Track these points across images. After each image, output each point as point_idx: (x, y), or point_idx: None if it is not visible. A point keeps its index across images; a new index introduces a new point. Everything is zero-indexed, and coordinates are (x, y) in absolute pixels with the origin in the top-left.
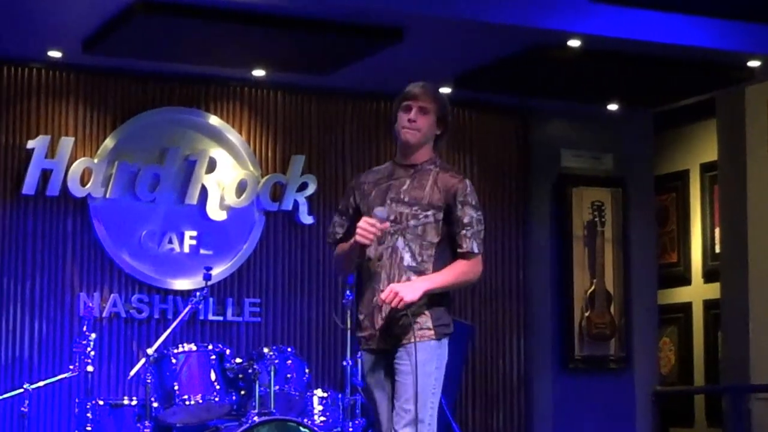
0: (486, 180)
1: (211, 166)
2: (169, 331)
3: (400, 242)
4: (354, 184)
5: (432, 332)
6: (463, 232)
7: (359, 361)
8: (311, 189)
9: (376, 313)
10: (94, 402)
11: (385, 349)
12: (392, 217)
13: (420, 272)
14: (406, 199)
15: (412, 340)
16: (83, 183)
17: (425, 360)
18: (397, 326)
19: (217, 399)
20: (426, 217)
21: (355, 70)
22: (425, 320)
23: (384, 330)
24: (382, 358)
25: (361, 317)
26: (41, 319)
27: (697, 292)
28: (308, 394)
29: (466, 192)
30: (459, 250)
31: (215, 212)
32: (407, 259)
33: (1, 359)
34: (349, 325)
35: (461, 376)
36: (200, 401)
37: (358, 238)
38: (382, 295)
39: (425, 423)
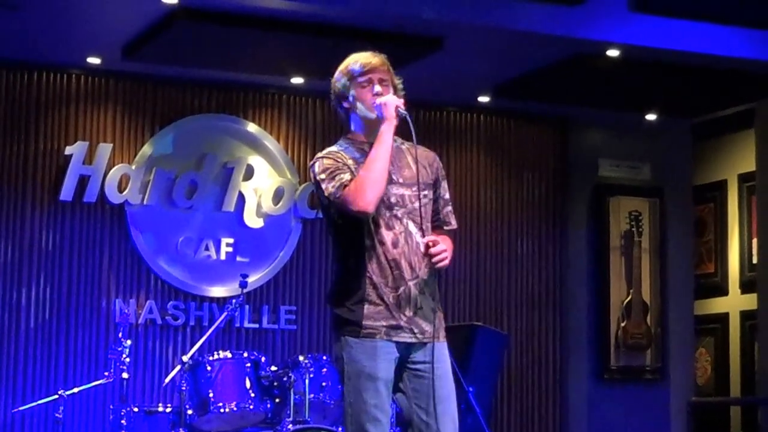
0: (524, 188)
1: (249, 174)
2: (204, 338)
3: (412, 226)
4: (332, 158)
5: (444, 332)
6: (449, 208)
7: (357, 348)
8: None
9: (405, 303)
10: (128, 409)
11: (408, 344)
12: (393, 200)
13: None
14: (401, 180)
15: (441, 338)
16: (120, 189)
17: (449, 361)
18: (426, 321)
19: (251, 407)
20: (425, 197)
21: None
22: (442, 317)
23: (412, 321)
24: (398, 351)
25: (376, 306)
26: (77, 325)
27: (734, 302)
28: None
29: (441, 165)
30: (448, 227)
31: (252, 219)
32: (423, 244)
33: (37, 365)
34: None
35: (496, 385)
36: (235, 409)
37: (392, 108)
38: (431, 242)
39: None
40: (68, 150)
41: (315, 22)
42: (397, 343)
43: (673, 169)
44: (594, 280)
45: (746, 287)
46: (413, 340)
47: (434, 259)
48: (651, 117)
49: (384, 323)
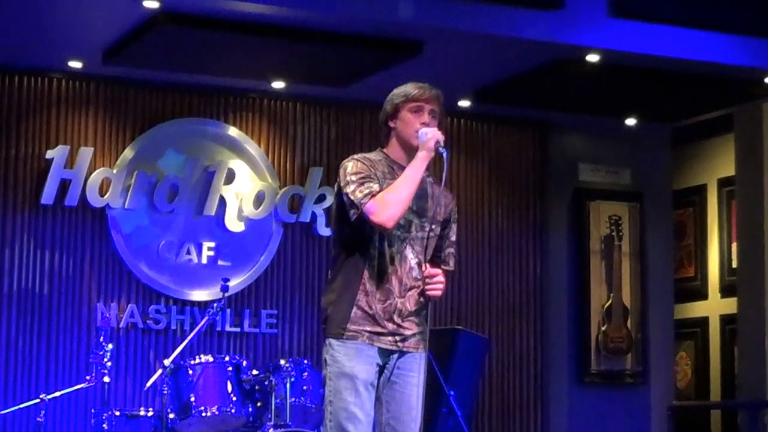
0: (503, 193)
1: (230, 178)
2: (186, 342)
3: (409, 252)
4: (367, 165)
5: (426, 345)
6: (451, 250)
7: (339, 349)
8: (329, 201)
9: (389, 316)
10: (110, 413)
11: (391, 352)
12: (402, 222)
13: (421, 289)
14: (414, 208)
15: (421, 349)
16: (102, 193)
17: (425, 372)
18: (410, 331)
19: (233, 411)
20: (432, 231)
21: (374, 83)
22: (427, 330)
23: (397, 331)
24: (380, 357)
25: (364, 312)
26: (58, 328)
27: (714, 306)
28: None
29: (456, 209)
30: (445, 267)
31: (233, 223)
32: (416, 271)
33: (18, 369)
34: None
35: (477, 389)
36: (216, 413)
37: (433, 142)
38: (433, 272)
39: None
40: (49, 154)
41: (296, 26)
42: (378, 348)
43: (653, 173)
44: (574, 285)
45: (726, 291)
46: (394, 348)
47: (428, 286)
48: (631, 122)
49: (368, 329)
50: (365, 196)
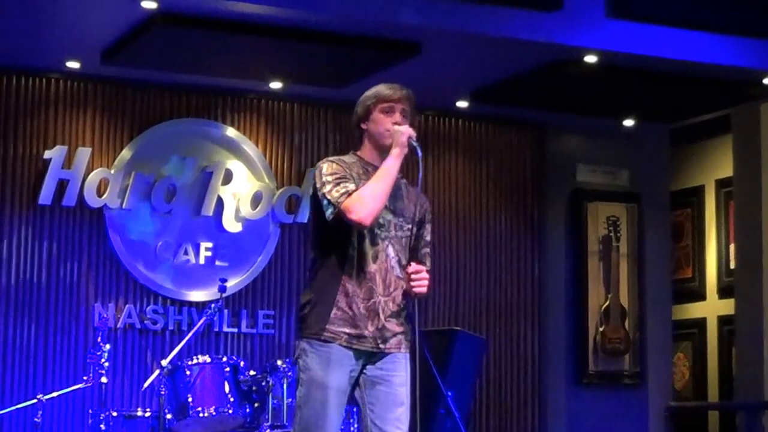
0: (501, 194)
1: (227, 178)
2: (183, 342)
3: (391, 250)
4: (342, 166)
5: (408, 345)
6: (427, 250)
7: (313, 356)
8: None
9: (374, 315)
10: (107, 413)
11: (370, 353)
12: (382, 221)
13: (403, 287)
14: (392, 208)
15: (403, 350)
16: (100, 193)
17: (410, 372)
18: (391, 332)
19: (230, 411)
20: (408, 230)
21: (372, 83)
22: (409, 330)
23: (379, 333)
24: (356, 361)
25: (344, 314)
26: (56, 329)
27: (712, 307)
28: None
29: (430, 209)
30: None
31: (231, 224)
32: (398, 269)
33: (15, 369)
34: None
35: (475, 390)
36: (214, 413)
37: (405, 137)
38: (417, 269)
39: None
40: (47, 154)
41: (294, 27)
42: (357, 351)
43: (651, 174)
44: (572, 285)
45: (724, 292)
46: (375, 350)
47: (413, 283)
48: (629, 123)
49: (347, 330)
50: (342, 195)
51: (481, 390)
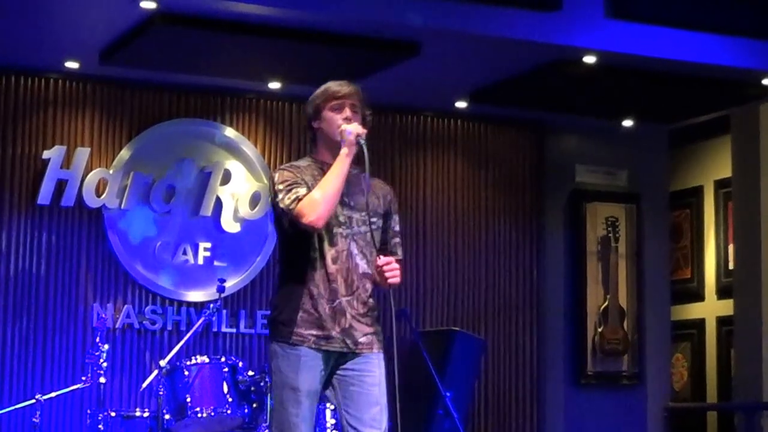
0: (500, 194)
1: (226, 178)
2: (182, 343)
3: (354, 247)
4: (293, 172)
5: (381, 345)
6: (397, 239)
7: (283, 359)
8: None
9: (339, 315)
10: (106, 413)
11: (340, 353)
12: (342, 220)
13: (371, 280)
14: (352, 204)
15: (375, 349)
16: (98, 194)
17: (384, 371)
18: (360, 332)
19: (229, 412)
20: (373, 223)
21: (371, 84)
22: (380, 330)
23: (346, 333)
24: (325, 362)
25: (310, 315)
26: (54, 329)
27: (711, 308)
28: (320, 407)
29: (396, 200)
30: (395, 258)
31: (229, 224)
32: (362, 266)
33: (14, 369)
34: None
35: (474, 390)
36: (212, 414)
37: (352, 136)
38: (386, 261)
39: None
40: (46, 154)
41: (293, 27)
42: (326, 352)
43: (650, 175)
44: (571, 286)
45: (723, 293)
46: (345, 350)
47: (386, 274)
48: (628, 123)
49: (314, 332)
50: (292, 201)
51: (480, 390)
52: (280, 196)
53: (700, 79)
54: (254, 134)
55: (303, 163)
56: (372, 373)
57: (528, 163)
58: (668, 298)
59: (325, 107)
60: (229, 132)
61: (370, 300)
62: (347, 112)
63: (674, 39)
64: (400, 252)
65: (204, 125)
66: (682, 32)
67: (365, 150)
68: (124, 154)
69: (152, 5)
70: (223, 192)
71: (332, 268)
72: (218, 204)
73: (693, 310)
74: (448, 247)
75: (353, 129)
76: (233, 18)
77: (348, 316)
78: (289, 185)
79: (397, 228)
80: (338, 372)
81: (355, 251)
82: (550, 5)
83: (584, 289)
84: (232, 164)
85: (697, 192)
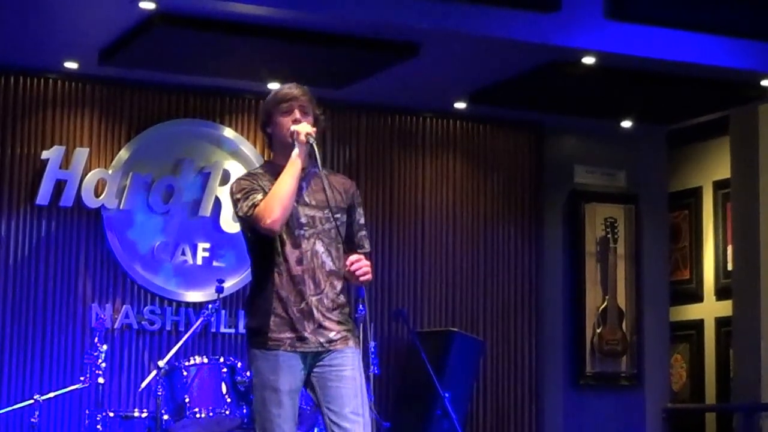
0: (499, 195)
1: (225, 179)
2: (180, 343)
3: (320, 246)
4: (249, 179)
5: (356, 340)
6: (363, 232)
7: (263, 362)
8: None
9: (309, 316)
10: (104, 414)
11: (315, 352)
12: (303, 221)
13: (340, 277)
14: (313, 203)
15: (350, 344)
16: (97, 194)
17: (360, 365)
18: (332, 330)
19: (227, 412)
20: (336, 220)
21: (369, 84)
22: (353, 327)
23: (318, 332)
24: (303, 362)
25: (282, 319)
26: (53, 329)
27: (710, 309)
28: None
29: (358, 193)
30: (362, 251)
31: (228, 224)
32: (329, 264)
33: (13, 369)
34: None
35: (472, 391)
36: (211, 414)
37: (301, 136)
38: (354, 260)
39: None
40: (45, 154)
41: (292, 27)
42: (303, 353)
43: (649, 175)
44: (569, 287)
45: (721, 294)
46: (319, 349)
47: (357, 273)
48: (626, 124)
49: (288, 335)
50: (249, 207)
51: (478, 391)
52: (239, 204)
53: (699, 80)
54: (253, 134)
55: (260, 170)
56: (347, 368)
57: (527, 163)
58: (667, 299)
59: (275, 112)
60: (229, 132)
61: (340, 297)
62: (296, 114)
63: (673, 40)
64: (367, 245)
65: (203, 125)
66: (681, 33)
67: (315, 148)
68: (123, 154)
69: (152, 5)
70: (222, 192)
71: (297, 269)
72: (217, 204)
73: (692, 311)
74: (446, 247)
75: (302, 129)
76: (233, 18)
77: (317, 315)
78: (246, 193)
79: (362, 221)
80: (315, 370)
81: (321, 250)
82: (549, 6)
83: (583, 289)
84: (232, 164)
85: (696, 193)
